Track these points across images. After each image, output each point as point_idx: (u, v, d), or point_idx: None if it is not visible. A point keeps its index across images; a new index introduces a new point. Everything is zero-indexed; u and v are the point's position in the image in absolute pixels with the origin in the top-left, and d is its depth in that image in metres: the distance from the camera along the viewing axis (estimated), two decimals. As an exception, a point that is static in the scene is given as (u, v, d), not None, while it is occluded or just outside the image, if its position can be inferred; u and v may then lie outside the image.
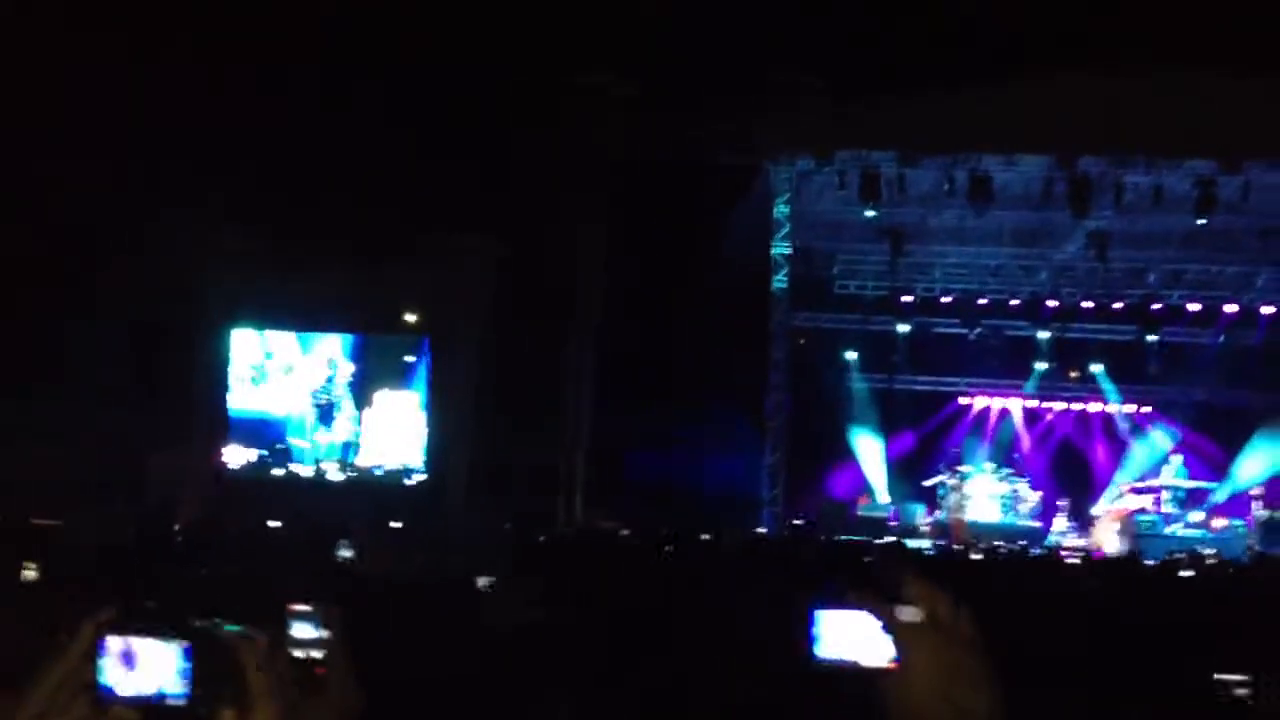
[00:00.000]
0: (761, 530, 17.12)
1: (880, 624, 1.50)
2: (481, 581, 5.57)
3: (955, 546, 15.29)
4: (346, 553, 7.51)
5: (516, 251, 17.27)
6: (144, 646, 1.28)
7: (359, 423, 18.84)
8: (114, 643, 1.28)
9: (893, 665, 1.48)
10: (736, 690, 3.59)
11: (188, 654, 1.29)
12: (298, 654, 1.34)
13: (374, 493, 17.84)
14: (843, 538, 16.29)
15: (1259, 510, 17.95)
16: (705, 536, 9.01)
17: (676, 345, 18.44)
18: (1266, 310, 19.91)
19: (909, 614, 1.47)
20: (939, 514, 18.88)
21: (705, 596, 5.11)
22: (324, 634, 1.35)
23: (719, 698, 3.59)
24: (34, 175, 15.10)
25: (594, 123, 16.98)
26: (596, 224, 17.59)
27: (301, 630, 1.35)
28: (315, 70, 16.27)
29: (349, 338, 19.07)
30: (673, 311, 18.16)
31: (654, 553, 7.55)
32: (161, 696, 1.28)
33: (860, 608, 1.55)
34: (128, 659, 1.28)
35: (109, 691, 1.29)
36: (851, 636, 1.59)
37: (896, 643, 1.47)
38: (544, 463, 17.62)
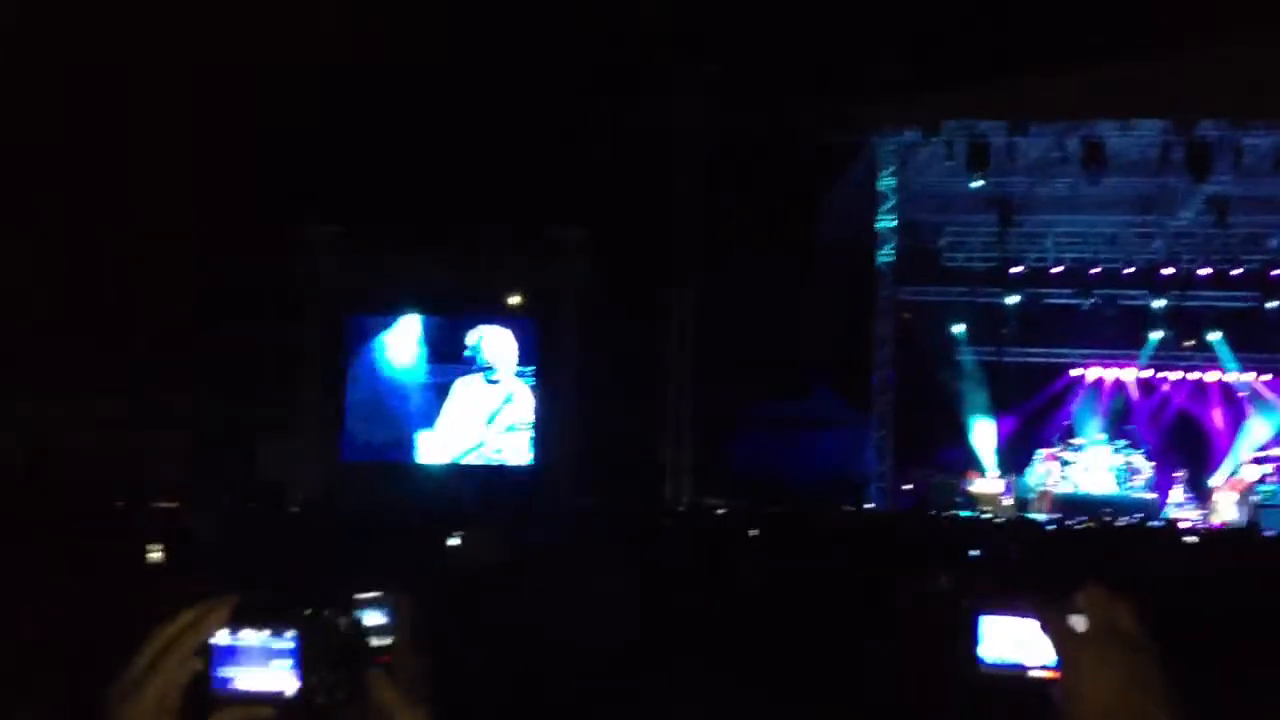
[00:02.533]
0: (870, 505, 17.00)
1: (1043, 629, 1.44)
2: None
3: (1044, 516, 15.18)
4: (455, 541, 7.66)
5: (615, 237, 17.33)
6: (257, 638, 1.29)
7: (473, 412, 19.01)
8: (225, 635, 1.29)
9: (1056, 674, 1.42)
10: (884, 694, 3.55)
11: (299, 643, 1.29)
12: (373, 642, 1.34)
13: (484, 478, 18.06)
14: (955, 514, 16.15)
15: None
16: (787, 514, 8.95)
17: (780, 325, 18.36)
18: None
19: (1078, 621, 1.41)
20: (1035, 487, 18.55)
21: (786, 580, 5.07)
22: (391, 621, 1.35)
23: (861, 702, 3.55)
24: (150, 180, 15.64)
25: (688, 103, 16.95)
26: (693, 206, 17.55)
27: (371, 618, 1.35)
28: (424, 70, 16.56)
29: (454, 321, 19.20)
30: (775, 291, 18.06)
31: (741, 534, 7.52)
32: (278, 693, 1.28)
33: (1026, 613, 1.49)
34: (239, 653, 1.29)
35: (223, 684, 1.28)
36: (1018, 643, 1.57)
37: (1062, 650, 1.42)
38: (651, 447, 17.70)
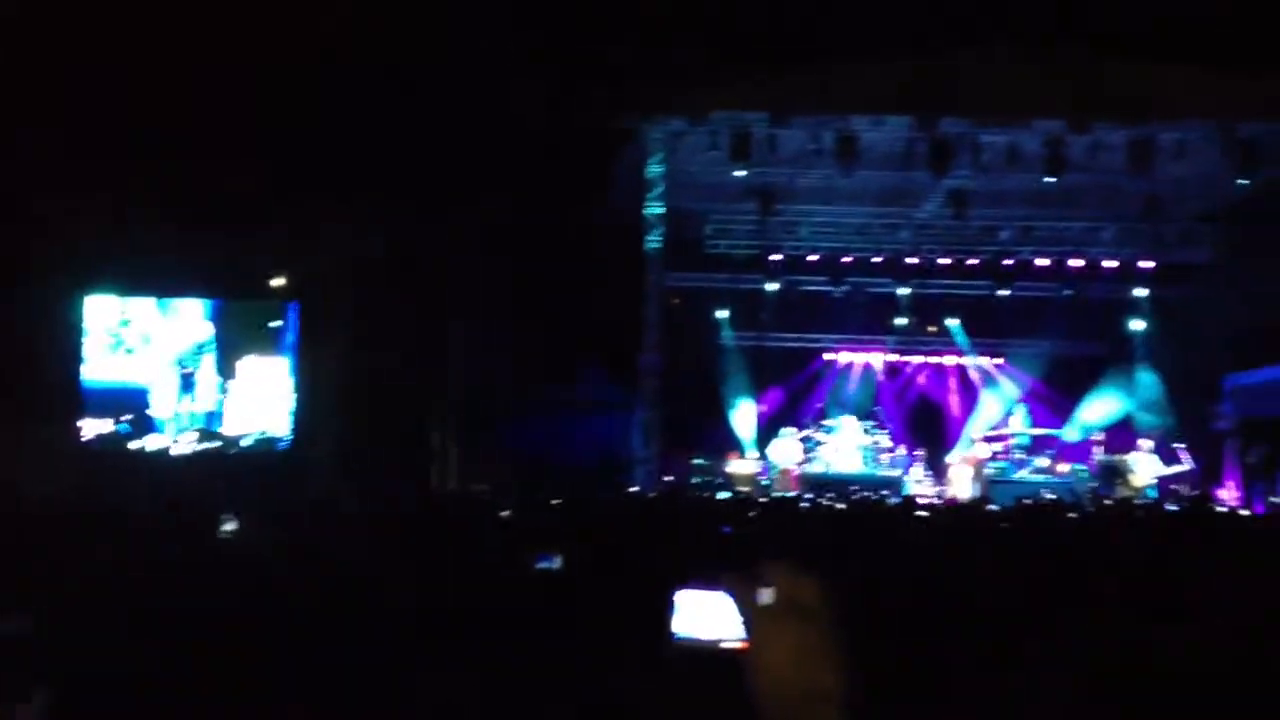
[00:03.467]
0: (634, 489, 17.36)
1: (735, 604, 1.53)
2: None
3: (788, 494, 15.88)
4: (230, 525, 7.48)
5: (386, 217, 17.08)
6: None
7: (223, 390, 18.54)
8: None
9: (744, 645, 1.50)
10: (599, 668, 3.69)
11: None
12: None
13: (239, 463, 17.59)
14: (714, 494, 16.69)
15: (1099, 454, 18.89)
16: (555, 501, 9.13)
17: (552, 309, 18.52)
18: (1110, 264, 20.81)
19: (765, 595, 1.50)
20: (781, 465, 19.29)
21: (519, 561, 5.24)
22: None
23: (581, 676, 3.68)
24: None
25: (460, 87, 16.85)
26: (466, 188, 17.47)
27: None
28: (177, 31, 15.83)
29: (209, 303, 18.71)
30: (547, 275, 18.20)
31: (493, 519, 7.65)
32: None
33: (719, 588, 1.60)
34: None
35: None
36: (713, 617, 1.68)
37: (748, 623, 1.50)
38: (417, 431, 17.54)
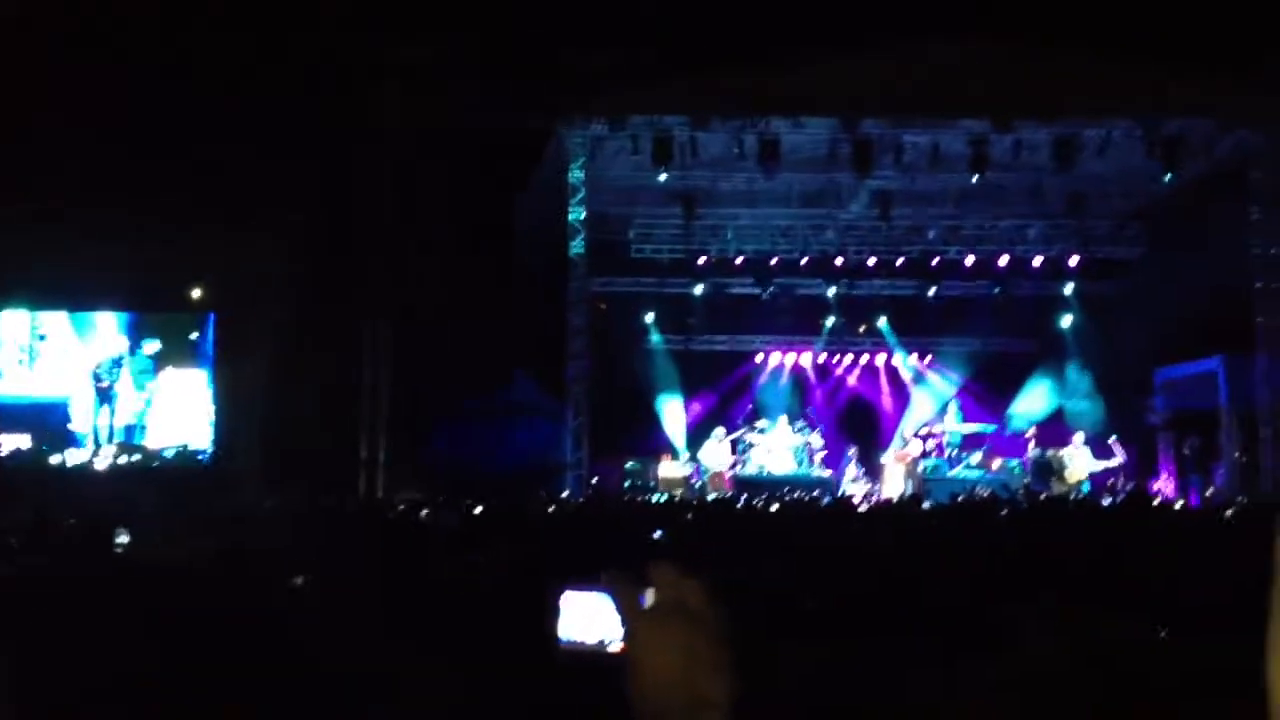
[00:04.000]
0: (565, 493, 17.19)
1: (615, 606, 1.46)
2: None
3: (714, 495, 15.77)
4: (124, 539, 7.21)
5: (306, 225, 16.75)
6: None
7: (145, 403, 18.12)
8: None
9: (623, 649, 1.45)
10: (471, 673, 3.56)
11: None
12: None
13: (160, 476, 17.20)
14: (644, 498, 16.56)
15: (1032, 450, 19.03)
16: (474, 506, 8.94)
17: (476, 316, 18.31)
18: (1037, 261, 21.00)
19: (648, 596, 1.44)
20: (708, 469, 19.20)
21: (438, 567, 5.08)
22: None
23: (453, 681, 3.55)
24: None
25: (375, 91, 16.59)
26: (383, 195, 17.19)
27: None
28: (89, 33, 15.42)
29: (124, 316, 18.28)
30: (471, 282, 17.98)
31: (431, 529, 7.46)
32: None
33: (603, 589, 1.52)
34: None
35: None
36: (597, 619, 1.57)
37: (626, 626, 1.44)
38: (343, 440, 17.22)
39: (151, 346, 18.29)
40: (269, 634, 4.02)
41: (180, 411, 18.12)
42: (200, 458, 18.00)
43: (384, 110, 16.75)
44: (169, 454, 17.99)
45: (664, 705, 1.39)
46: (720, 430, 19.54)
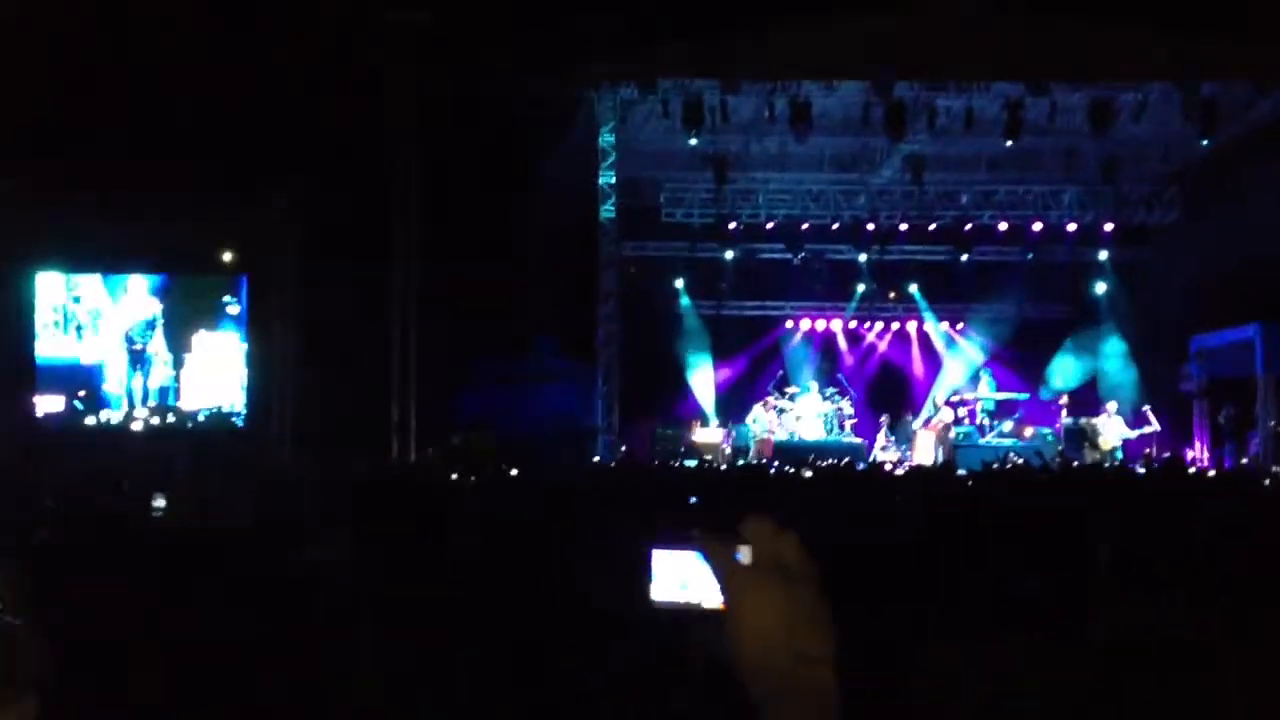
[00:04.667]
0: (596, 459, 17.22)
1: (710, 565, 1.44)
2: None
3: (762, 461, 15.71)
4: (160, 503, 7.26)
5: (331, 192, 16.76)
6: None
7: (175, 366, 18.25)
8: None
9: (722, 607, 1.43)
10: (567, 636, 3.56)
11: None
12: None
13: (195, 438, 17.36)
14: (683, 463, 16.57)
15: (1065, 418, 18.90)
16: (514, 471, 8.95)
17: (505, 280, 18.31)
18: (1071, 227, 20.79)
19: (743, 554, 1.41)
20: (761, 433, 19.25)
21: (518, 535, 5.08)
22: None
23: (546, 645, 3.55)
24: None
25: (398, 57, 16.53)
26: (409, 160, 17.15)
27: None
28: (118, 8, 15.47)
29: (156, 279, 18.40)
30: (499, 246, 17.97)
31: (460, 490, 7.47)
32: None
33: (695, 547, 1.50)
34: None
35: None
36: (689, 577, 1.56)
37: (724, 585, 1.42)
38: (374, 404, 17.30)
39: (182, 310, 18.42)
40: (302, 600, 4.04)
41: (214, 374, 18.25)
42: (235, 420, 18.14)
43: (409, 77, 16.70)
44: (202, 416, 18.14)
45: (766, 663, 1.38)
46: (771, 395, 19.59)
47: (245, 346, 18.22)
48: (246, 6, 15.86)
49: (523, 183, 17.97)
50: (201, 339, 18.28)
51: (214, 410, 18.19)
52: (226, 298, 18.34)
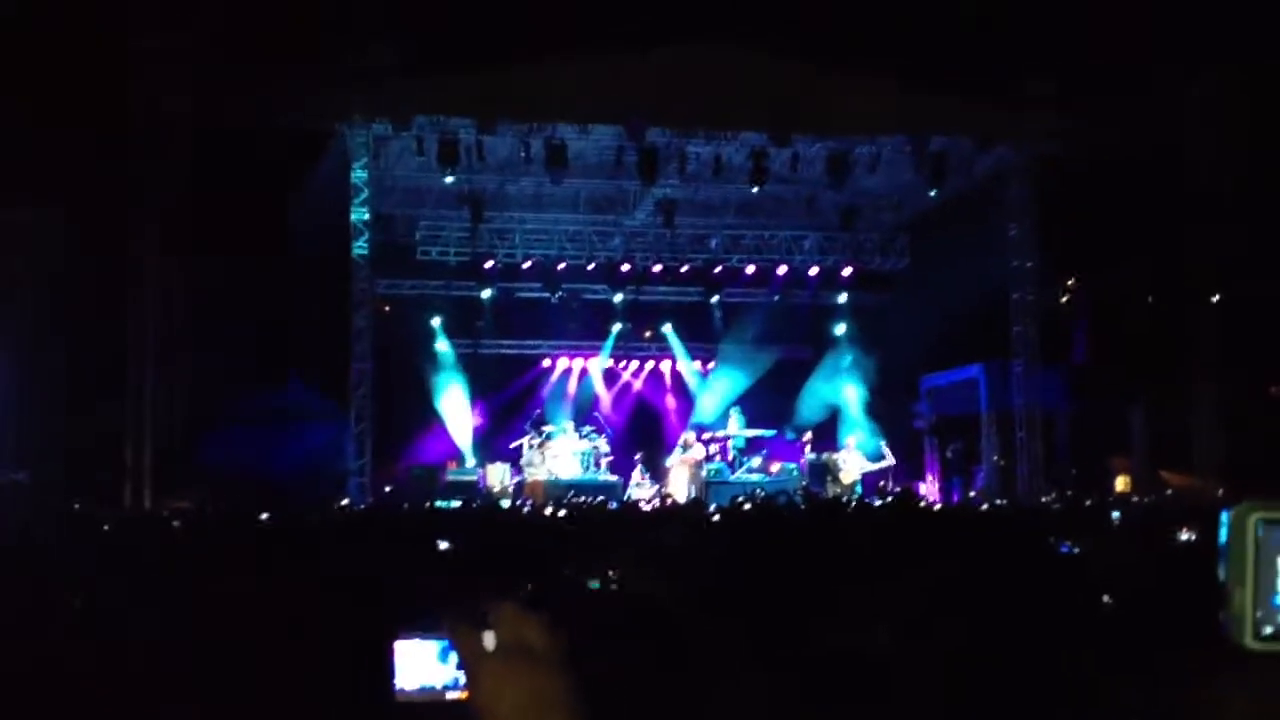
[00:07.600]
0: (344, 502, 16.77)
1: (457, 653, 1.42)
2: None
3: (531, 504, 15.67)
4: None
5: (78, 224, 15.86)
6: None
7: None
8: None
9: (465, 695, 1.40)
10: None
11: None
12: None
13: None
14: (435, 504, 16.29)
15: (809, 454, 19.68)
16: (264, 516, 8.64)
17: (253, 318, 17.72)
18: (813, 271, 21.75)
19: (488, 639, 1.39)
20: (521, 475, 19.29)
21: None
22: None
23: None
24: None
25: (149, 85, 15.85)
26: (158, 191, 16.39)
27: None
28: None
29: None
30: (248, 283, 17.38)
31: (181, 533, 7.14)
32: None
33: (440, 636, 1.47)
34: None
35: None
36: (431, 665, 1.52)
37: (467, 671, 1.40)
38: (108, 445, 16.36)
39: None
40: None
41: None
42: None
43: (156, 106, 16.01)
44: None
45: None
46: (561, 430, 19.60)
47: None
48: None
49: (277, 217, 17.48)
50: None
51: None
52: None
